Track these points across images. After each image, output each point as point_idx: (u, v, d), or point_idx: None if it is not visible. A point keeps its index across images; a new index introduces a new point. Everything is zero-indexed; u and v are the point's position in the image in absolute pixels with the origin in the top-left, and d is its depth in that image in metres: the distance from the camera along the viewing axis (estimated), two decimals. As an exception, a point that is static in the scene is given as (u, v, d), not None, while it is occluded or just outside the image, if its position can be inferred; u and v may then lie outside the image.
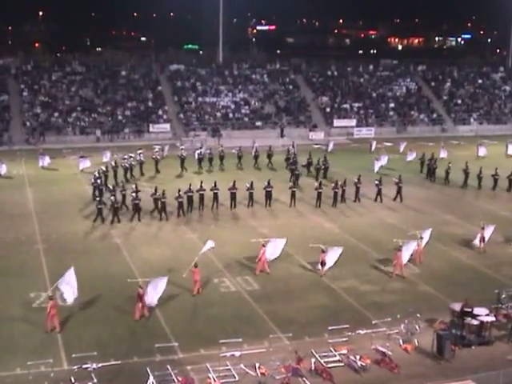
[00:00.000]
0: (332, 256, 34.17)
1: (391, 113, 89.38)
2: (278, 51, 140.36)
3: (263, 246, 34.28)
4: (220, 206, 46.10)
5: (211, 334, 26.87)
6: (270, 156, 62.15)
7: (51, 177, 56.76)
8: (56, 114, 78.07)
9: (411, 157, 63.46)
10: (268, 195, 47.20)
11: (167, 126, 79.09)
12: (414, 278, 33.80)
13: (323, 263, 33.79)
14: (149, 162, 57.82)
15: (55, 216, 44.17)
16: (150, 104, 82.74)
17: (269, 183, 47.18)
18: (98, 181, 48.26)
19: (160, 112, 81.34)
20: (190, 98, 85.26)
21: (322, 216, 45.32)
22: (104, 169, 51.84)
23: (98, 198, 44.45)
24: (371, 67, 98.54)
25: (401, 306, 29.71)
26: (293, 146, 63.99)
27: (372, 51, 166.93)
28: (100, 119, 78.77)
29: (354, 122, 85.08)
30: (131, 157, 56.67)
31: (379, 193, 48.97)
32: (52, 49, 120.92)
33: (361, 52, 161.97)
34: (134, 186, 45.12)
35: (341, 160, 62.89)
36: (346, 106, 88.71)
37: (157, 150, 60.64)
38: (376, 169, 56.77)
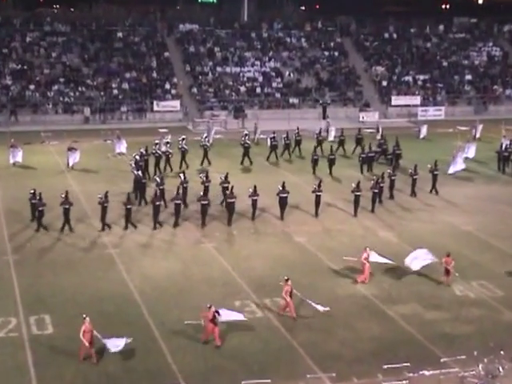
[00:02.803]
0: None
1: (467, 87, 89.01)
2: (320, 7, 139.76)
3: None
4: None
5: (231, 373, 26.82)
6: (359, 140, 62.74)
7: (26, 168, 57.19)
8: (32, 87, 78.77)
9: (470, 152, 61.83)
10: (282, 203, 45.78)
11: (176, 104, 79.51)
12: (496, 304, 33.57)
13: (448, 271, 34.90)
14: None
15: (30, 219, 44.22)
16: (155, 75, 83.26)
17: (283, 188, 45.72)
18: (139, 173, 49.41)
19: (167, 85, 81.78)
20: (206, 67, 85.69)
21: (375, 220, 45.36)
22: (138, 158, 52.52)
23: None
24: (441, 28, 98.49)
25: (479, 339, 29.48)
26: (377, 131, 64.39)
27: (443, 7, 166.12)
28: (89, 94, 79.35)
29: (418, 100, 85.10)
30: (168, 143, 57.40)
31: (414, 184, 50.59)
32: (26, 2, 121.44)
33: (428, 8, 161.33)
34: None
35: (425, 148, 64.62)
36: (408, 78, 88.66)
37: (206, 135, 61.44)
38: (451, 170, 55.44)
